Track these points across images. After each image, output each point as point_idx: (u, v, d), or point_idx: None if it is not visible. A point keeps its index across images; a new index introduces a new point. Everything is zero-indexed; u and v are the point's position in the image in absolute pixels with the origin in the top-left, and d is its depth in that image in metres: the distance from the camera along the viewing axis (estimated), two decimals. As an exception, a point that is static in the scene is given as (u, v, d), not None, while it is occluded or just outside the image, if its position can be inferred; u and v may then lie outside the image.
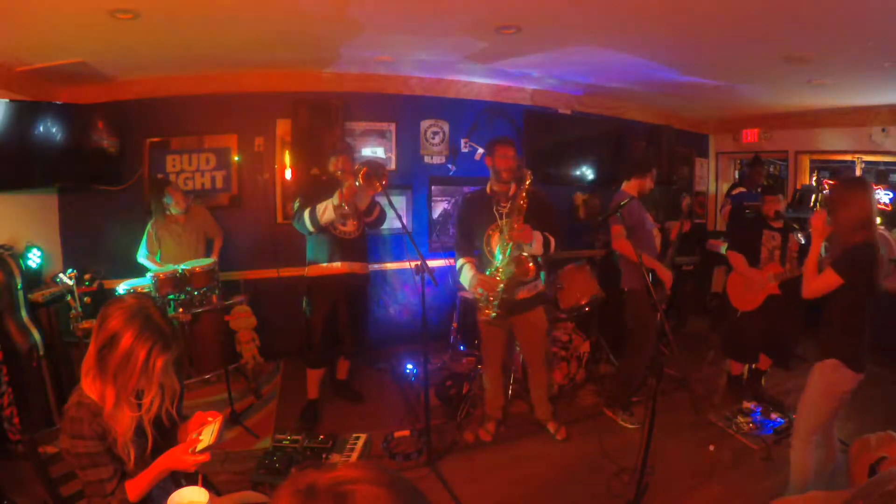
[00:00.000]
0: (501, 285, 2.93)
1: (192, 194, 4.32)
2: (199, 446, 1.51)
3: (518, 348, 3.70)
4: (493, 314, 2.96)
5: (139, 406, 1.52)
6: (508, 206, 3.04)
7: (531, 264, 2.92)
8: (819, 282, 2.29)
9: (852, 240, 2.23)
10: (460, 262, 3.13)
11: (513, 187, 3.09)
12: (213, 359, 3.89)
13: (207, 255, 4.07)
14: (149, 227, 3.92)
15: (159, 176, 4.24)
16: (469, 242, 3.16)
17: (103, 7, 2.52)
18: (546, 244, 3.00)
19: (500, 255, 2.96)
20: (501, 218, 3.03)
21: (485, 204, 3.11)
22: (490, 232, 3.07)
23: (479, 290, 2.98)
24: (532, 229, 2.92)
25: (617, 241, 3.33)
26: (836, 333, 2.31)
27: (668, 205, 5.60)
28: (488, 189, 3.15)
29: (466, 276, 3.08)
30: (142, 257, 3.92)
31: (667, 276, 3.40)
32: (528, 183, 2.90)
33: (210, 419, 1.58)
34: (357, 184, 3.06)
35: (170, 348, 1.48)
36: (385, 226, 3.74)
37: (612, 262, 3.68)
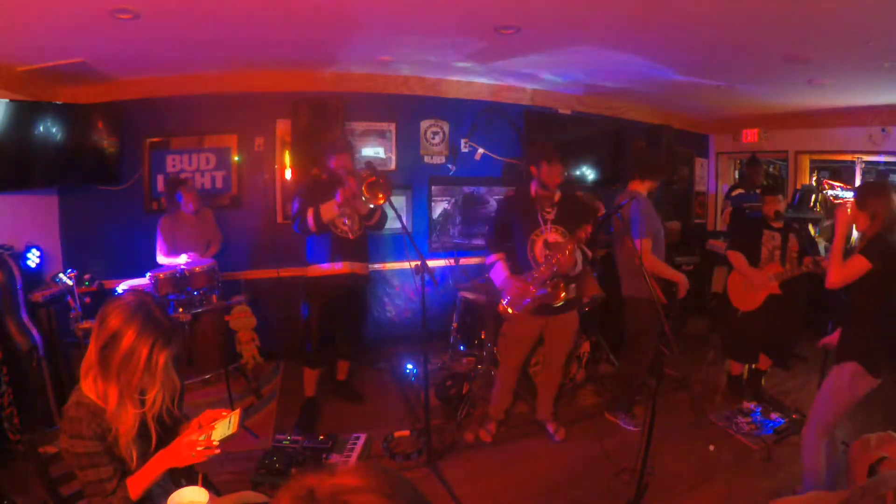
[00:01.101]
0: (530, 299, 2.96)
1: (203, 195, 4.31)
2: (215, 435, 1.50)
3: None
4: (510, 311, 3.00)
5: (142, 402, 1.52)
6: (554, 212, 3.04)
7: (563, 293, 2.98)
8: (847, 269, 2.27)
9: (875, 232, 2.25)
10: (494, 257, 3.12)
11: (557, 194, 3.08)
12: (213, 359, 3.89)
13: None
14: (160, 225, 3.89)
15: (181, 175, 4.27)
16: (504, 240, 3.14)
17: (103, 7, 2.51)
18: (584, 259, 3.01)
19: (539, 271, 2.97)
20: (546, 223, 3.04)
21: (529, 206, 3.08)
22: (534, 237, 3.04)
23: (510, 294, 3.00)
24: (577, 258, 2.93)
25: (646, 256, 3.16)
26: (857, 333, 2.29)
27: (669, 206, 5.61)
28: (533, 191, 3.12)
29: (499, 273, 3.09)
30: (161, 257, 3.87)
31: (684, 284, 3.29)
32: (600, 215, 2.91)
33: (224, 413, 1.57)
34: (363, 198, 3.05)
35: (171, 344, 1.48)
36: (385, 225, 3.74)
37: (612, 262, 3.67)
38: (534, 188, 3.10)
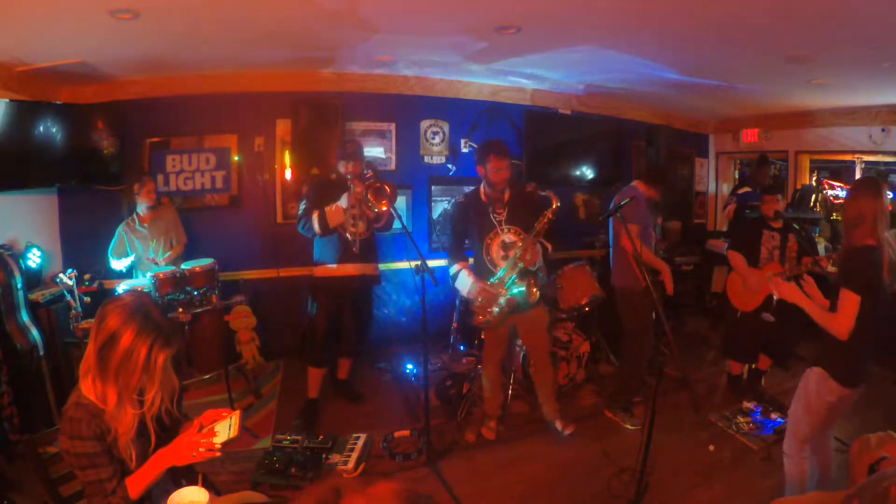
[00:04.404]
0: (503, 300, 2.98)
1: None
2: (217, 439, 1.51)
3: (519, 348, 3.70)
4: (487, 320, 3.03)
5: (141, 403, 1.52)
6: (505, 212, 3.06)
7: (535, 288, 2.99)
8: (845, 314, 2.09)
9: (857, 242, 2.16)
10: (455, 267, 3.15)
11: (507, 192, 3.08)
12: (213, 359, 3.88)
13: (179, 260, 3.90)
14: (119, 228, 3.80)
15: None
16: (462, 248, 3.21)
17: (103, 7, 2.51)
18: (544, 252, 3.03)
19: (504, 271, 3.00)
20: (499, 225, 3.06)
21: (481, 210, 3.11)
22: (489, 241, 3.07)
23: (480, 300, 3.02)
24: (538, 251, 2.96)
25: (635, 240, 3.14)
26: (830, 342, 2.19)
27: (667, 205, 5.60)
28: (482, 195, 3.13)
29: (465, 281, 3.10)
30: (112, 258, 3.78)
31: (668, 274, 3.37)
32: (554, 207, 2.92)
33: (225, 414, 1.58)
34: (368, 200, 3.08)
35: (170, 344, 1.49)
36: (393, 226, 3.72)
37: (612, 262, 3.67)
38: (482, 191, 3.13)
